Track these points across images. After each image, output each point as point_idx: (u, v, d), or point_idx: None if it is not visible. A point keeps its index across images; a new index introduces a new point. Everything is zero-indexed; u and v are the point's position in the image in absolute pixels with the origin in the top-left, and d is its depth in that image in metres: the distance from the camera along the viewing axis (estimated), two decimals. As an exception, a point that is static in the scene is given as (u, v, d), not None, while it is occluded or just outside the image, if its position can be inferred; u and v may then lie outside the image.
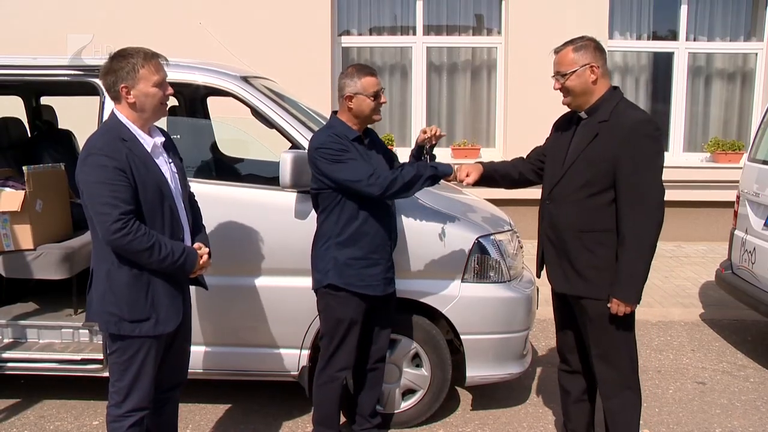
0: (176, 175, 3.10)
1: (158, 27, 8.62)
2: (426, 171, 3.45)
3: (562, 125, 3.51)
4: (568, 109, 3.44)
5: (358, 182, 3.37)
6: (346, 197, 3.46)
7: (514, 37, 9.01)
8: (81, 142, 5.45)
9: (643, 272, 3.18)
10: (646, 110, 9.58)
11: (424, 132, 3.59)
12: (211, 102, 5.68)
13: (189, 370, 3.40)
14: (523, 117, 8.83)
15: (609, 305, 3.24)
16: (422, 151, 3.66)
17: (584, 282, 3.29)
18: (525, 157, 3.74)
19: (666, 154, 9.33)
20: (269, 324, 4.04)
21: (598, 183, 3.19)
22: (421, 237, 3.94)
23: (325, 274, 3.52)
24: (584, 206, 3.24)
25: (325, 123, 4.76)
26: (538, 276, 3.68)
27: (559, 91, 3.34)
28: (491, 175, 3.68)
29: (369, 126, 3.64)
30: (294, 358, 4.08)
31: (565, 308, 3.54)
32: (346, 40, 9.33)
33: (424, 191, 4.16)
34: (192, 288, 3.31)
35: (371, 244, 3.51)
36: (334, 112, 3.61)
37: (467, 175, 3.59)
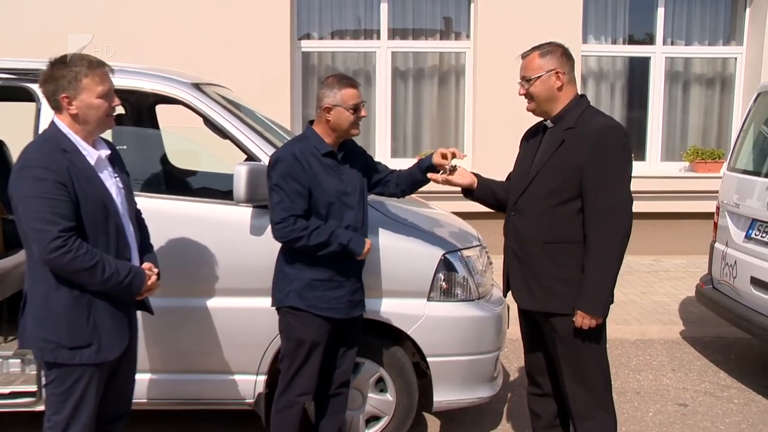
0: (122, 190, 3.07)
1: (157, 27, 8.62)
2: (334, 243, 3.45)
3: (530, 136, 3.59)
4: (538, 119, 3.52)
5: (271, 221, 3.46)
6: (311, 213, 3.49)
7: (483, 41, 9.11)
8: (15, 153, 5.39)
9: (609, 283, 3.25)
10: (620, 117, 9.87)
11: (444, 157, 3.66)
12: (161, 111, 5.65)
13: (134, 401, 3.36)
14: (494, 126, 8.93)
15: (574, 319, 3.30)
16: (434, 170, 3.73)
17: (551, 297, 3.35)
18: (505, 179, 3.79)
19: (643, 163, 9.51)
20: (223, 348, 4.01)
21: (565, 191, 3.26)
22: (384, 253, 3.95)
23: (287, 294, 3.54)
24: (550, 216, 3.30)
25: (284, 133, 4.81)
26: (505, 294, 3.72)
27: (523, 97, 3.42)
28: (485, 185, 3.71)
29: (348, 140, 3.67)
30: (249, 384, 4.06)
31: (533, 327, 3.58)
32: (306, 45, 9.36)
33: (387, 204, 4.17)
34: (138, 311, 3.28)
35: (338, 265, 3.53)
36: (311, 122, 3.64)
37: (451, 173, 3.64)
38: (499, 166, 8.93)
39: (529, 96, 3.39)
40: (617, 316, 6.79)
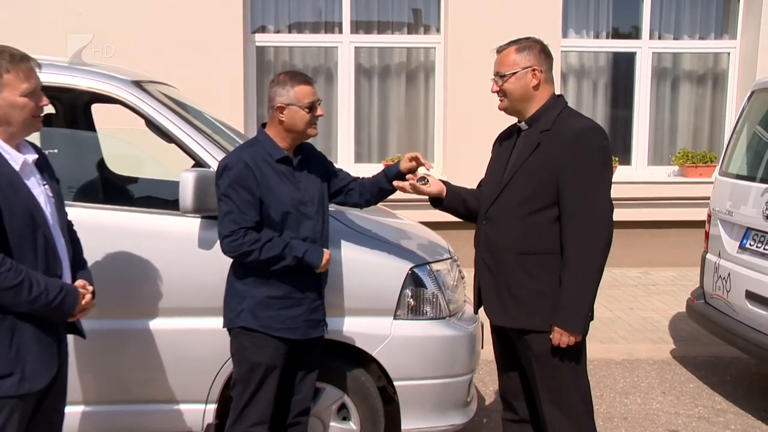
0: (52, 199, 3.02)
1: (156, 26, 8.63)
2: (289, 256, 3.46)
3: (503, 139, 3.66)
4: (513, 121, 3.57)
5: (219, 234, 3.48)
6: (264, 224, 3.50)
7: (455, 35, 9.16)
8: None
9: (588, 297, 3.31)
10: (603, 118, 9.97)
11: (414, 160, 3.75)
12: (97, 111, 5.60)
13: (64, 436, 3.29)
14: (467, 128, 8.99)
15: (551, 336, 3.33)
16: (401, 177, 3.78)
17: (526, 312, 3.39)
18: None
19: (628, 168, 9.62)
20: (167, 374, 3.98)
21: (541, 198, 3.32)
22: (346, 268, 3.96)
23: (238, 314, 3.54)
24: (525, 225, 3.35)
25: (236, 136, 4.80)
26: (476, 310, 3.75)
27: (496, 94, 3.48)
28: (455, 193, 3.75)
29: (304, 142, 3.69)
30: (198, 414, 4.03)
31: (507, 345, 3.61)
32: (261, 38, 9.34)
33: (348, 214, 4.17)
34: (69, 335, 3.22)
35: (294, 280, 3.54)
36: (263, 125, 3.64)
37: (422, 182, 3.67)
38: (473, 172, 8.90)
39: (502, 93, 3.45)
40: (601, 334, 6.84)
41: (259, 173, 3.46)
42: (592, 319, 3.45)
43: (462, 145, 9.02)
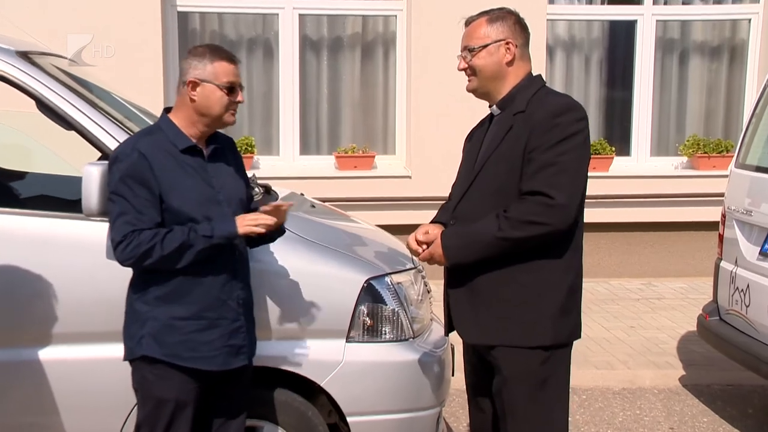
0: None
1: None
2: (197, 240, 3.40)
3: (474, 133, 3.78)
4: (480, 114, 3.72)
5: (112, 241, 3.44)
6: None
7: (419, 2, 9.17)
8: None
9: (478, 252, 3.43)
10: (597, 99, 10.19)
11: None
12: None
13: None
14: (434, 112, 9.04)
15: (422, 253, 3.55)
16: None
17: (500, 324, 3.46)
18: None
19: (627, 160, 9.73)
20: (65, 416, 3.93)
21: (513, 187, 3.40)
22: (287, 280, 3.96)
23: (139, 341, 3.49)
24: None
25: (152, 121, 4.73)
26: (447, 331, 3.78)
27: (464, 72, 3.58)
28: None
29: (218, 131, 3.67)
30: (105, 465, 4.00)
31: (481, 371, 3.66)
32: (183, 2, 9.26)
33: (292, 215, 4.16)
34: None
35: (206, 298, 3.50)
36: (167, 110, 3.61)
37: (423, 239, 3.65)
38: (442, 165, 8.97)
39: (470, 71, 3.54)
40: (597, 358, 6.89)
41: (158, 166, 3.41)
42: (578, 337, 3.55)
43: (429, 133, 9.07)
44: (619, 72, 10.05)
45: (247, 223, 3.46)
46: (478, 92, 3.58)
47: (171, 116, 3.57)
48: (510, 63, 3.49)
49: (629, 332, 7.67)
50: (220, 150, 3.65)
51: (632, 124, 9.96)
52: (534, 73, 3.59)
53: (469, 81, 3.56)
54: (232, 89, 3.52)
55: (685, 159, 9.88)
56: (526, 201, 3.34)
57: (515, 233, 3.34)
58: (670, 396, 6.40)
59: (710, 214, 8.52)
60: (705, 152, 9.67)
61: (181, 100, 3.55)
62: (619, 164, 9.57)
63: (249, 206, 3.75)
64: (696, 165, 9.74)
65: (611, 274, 9.62)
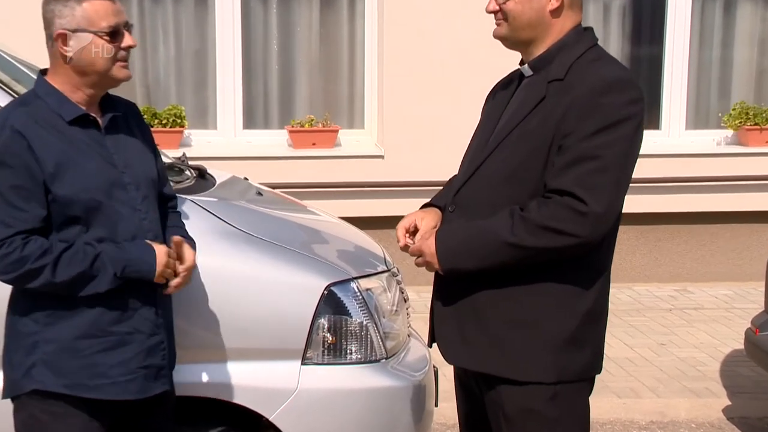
0: None
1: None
2: (103, 273, 3.33)
3: (497, 92, 3.67)
4: (502, 69, 3.62)
5: None
6: (55, 225, 3.37)
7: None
8: None
9: (477, 254, 3.34)
10: (622, 59, 9.93)
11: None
12: None
13: None
14: (413, 74, 9.01)
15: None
16: None
17: (499, 350, 3.41)
18: None
19: (656, 134, 9.78)
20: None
21: (531, 175, 3.33)
22: (227, 287, 3.94)
23: (27, 371, 3.39)
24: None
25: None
26: (430, 344, 3.76)
27: (493, 15, 3.46)
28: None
29: (114, 95, 3.60)
30: None
31: (474, 400, 3.64)
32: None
33: (233, 205, 4.17)
34: None
35: (115, 307, 3.44)
36: (43, 72, 3.51)
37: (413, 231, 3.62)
38: (422, 140, 8.94)
39: (503, 15, 3.42)
40: (619, 384, 6.93)
41: (39, 144, 3.29)
42: (598, 371, 3.51)
43: (407, 102, 9.05)
44: (646, 21, 10.08)
45: (163, 268, 3.41)
46: (509, 42, 3.45)
47: (48, 79, 3.47)
48: (556, 12, 3.36)
49: (659, 351, 7.69)
50: (121, 119, 3.57)
51: (663, 89, 9.98)
52: (584, 27, 3.48)
53: (497, 25, 3.44)
54: (115, 33, 3.40)
55: (730, 132, 9.91)
56: (552, 202, 3.24)
57: (531, 241, 3.25)
58: (710, 431, 6.43)
59: (763, 201, 8.58)
60: (756, 123, 9.68)
61: (53, 59, 3.44)
62: (647, 140, 9.51)
63: (163, 189, 3.72)
64: (744, 140, 9.78)
65: (636, 278, 9.65)
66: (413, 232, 3.57)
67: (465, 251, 3.36)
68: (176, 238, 3.50)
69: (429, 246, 3.41)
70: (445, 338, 3.56)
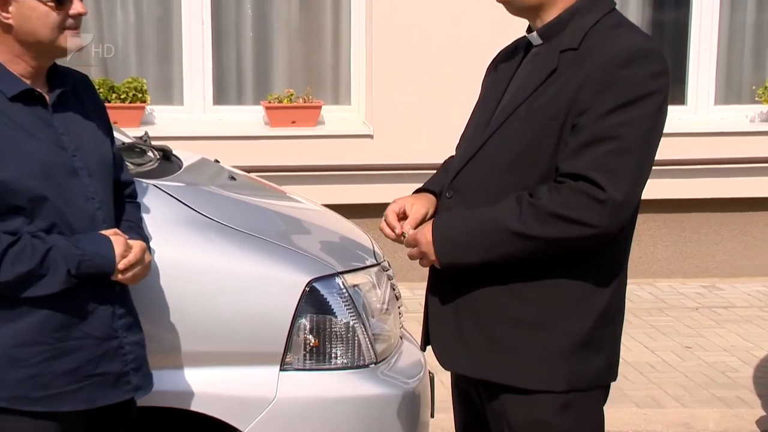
0: None
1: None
2: (54, 270, 3.30)
3: (500, 63, 3.67)
4: (508, 35, 3.64)
5: None
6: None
7: None
8: None
9: (479, 245, 3.34)
10: (642, 26, 9.95)
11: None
12: None
13: None
14: (406, 43, 9.01)
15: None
16: None
17: (502, 355, 3.42)
18: None
19: (681, 109, 9.81)
20: None
21: (541, 157, 3.33)
22: (197, 284, 3.96)
23: None
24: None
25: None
26: (424, 348, 3.79)
27: None
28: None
29: (62, 66, 3.59)
30: None
31: (472, 409, 3.66)
32: None
33: (202, 191, 4.17)
34: None
35: (57, 311, 3.39)
36: None
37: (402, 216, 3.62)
38: (415, 117, 8.93)
39: None
40: (639, 392, 6.95)
41: None
42: (613, 378, 3.52)
43: (399, 74, 9.06)
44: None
45: (126, 261, 3.40)
46: (512, 7, 3.45)
47: None
48: None
49: (684, 355, 7.71)
50: (71, 94, 3.55)
51: (689, 59, 10.00)
52: None
53: None
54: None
55: (765, 108, 9.94)
56: (565, 187, 3.23)
57: (541, 231, 3.24)
58: (742, 444, 6.48)
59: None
60: (794, 98, 9.73)
61: None
62: (671, 117, 9.50)
63: (119, 174, 3.72)
64: (780, 117, 9.83)
65: (658, 273, 9.68)
66: (402, 218, 3.56)
67: (465, 242, 3.36)
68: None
69: (425, 235, 3.40)
70: (440, 341, 3.57)
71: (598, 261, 3.36)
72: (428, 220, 3.55)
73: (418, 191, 3.73)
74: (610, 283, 3.41)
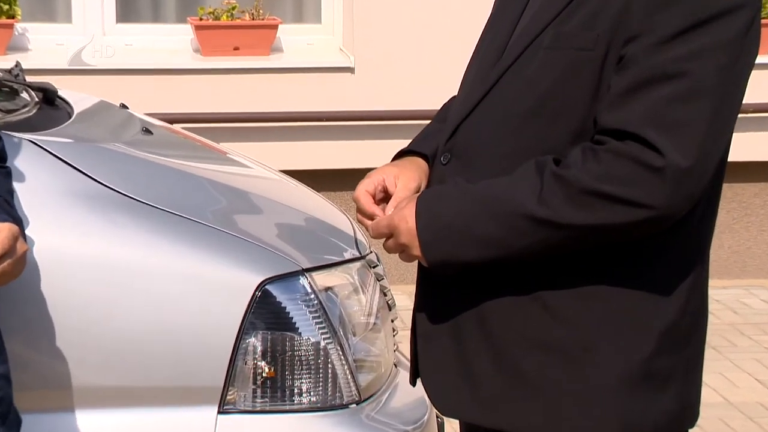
0: None
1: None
2: None
3: None
4: None
5: None
6: None
7: None
8: None
9: (483, 231, 3.32)
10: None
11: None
12: None
13: None
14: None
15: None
16: None
17: (528, 393, 3.40)
18: None
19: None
20: None
21: (577, 110, 3.31)
22: (96, 288, 3.94)
23: None
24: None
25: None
26: (413, 382, 3.77)
27: None
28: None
29: None
30: None
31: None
32: None
33: (107, 151, 4.14)
34: None
35: None
36: None
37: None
38: (413, 43, 9.09)
39: None
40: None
41: None
42: (691, 425, 3.51)
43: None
44: None
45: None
46: None
47: None
48: None
49: (723, 380, 7.78)
50: None
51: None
52: None
53: None
54: None
55: None
56: (606, 151, 3.21)
57: (573, 215, 3.22)
58: None
59: None
60: None
61: None
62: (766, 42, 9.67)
63: None
64: None
65: (760, 273, 9.74)
66: (383, 199, 3.57)
67: (463, 230, 3.34)
68: None
69: (405, 219, 3.38)
70: (435, 374, 3.57)
71: (662, 257, 3.35)
72: None
73: (401, 155, 3.75)
74: (681, 288, 3.39)
